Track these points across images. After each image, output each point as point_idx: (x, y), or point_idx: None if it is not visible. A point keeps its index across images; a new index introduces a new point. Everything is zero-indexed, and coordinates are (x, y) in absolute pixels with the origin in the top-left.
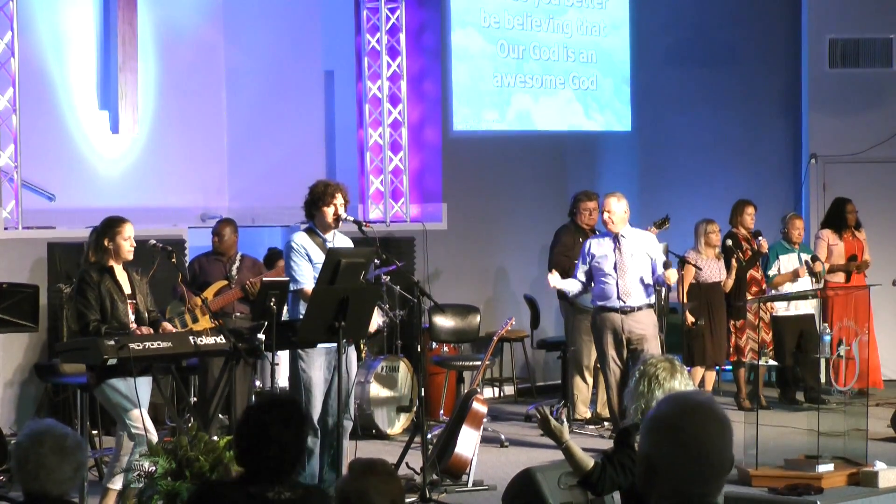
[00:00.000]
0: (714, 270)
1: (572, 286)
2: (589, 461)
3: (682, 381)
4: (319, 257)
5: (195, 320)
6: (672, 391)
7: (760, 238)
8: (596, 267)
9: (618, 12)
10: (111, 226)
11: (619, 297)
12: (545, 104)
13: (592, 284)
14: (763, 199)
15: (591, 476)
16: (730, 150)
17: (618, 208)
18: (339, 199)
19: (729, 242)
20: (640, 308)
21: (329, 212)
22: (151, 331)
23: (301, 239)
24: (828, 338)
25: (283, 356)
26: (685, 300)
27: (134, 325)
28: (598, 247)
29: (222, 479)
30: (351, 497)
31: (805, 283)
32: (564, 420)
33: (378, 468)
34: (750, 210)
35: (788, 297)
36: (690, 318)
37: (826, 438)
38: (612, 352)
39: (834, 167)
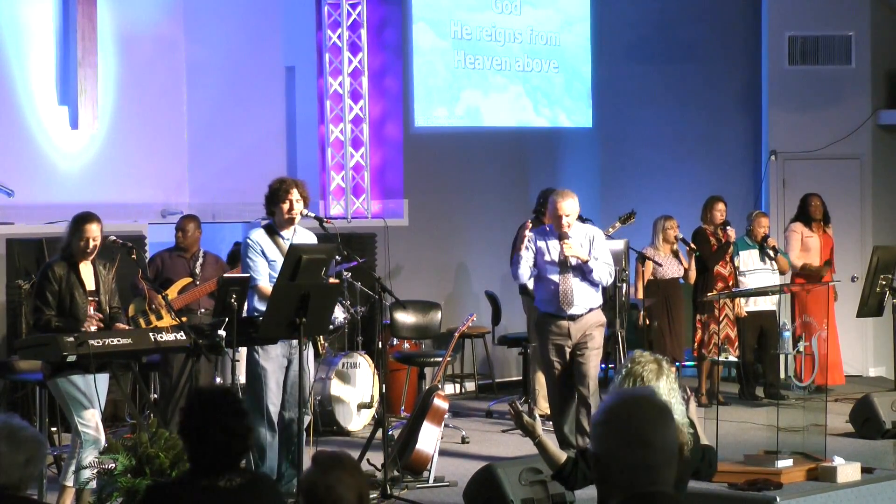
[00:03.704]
0: (672, 266)
1: (525, 270)
2: (562, 455)
3: (668, 383)
4: (275, 254)
5: (159, 318)
6: (658, 392)
7: (728, 227)
8: (541, 265)
9: (576, 9)
10: (77, 222)
11: (562, 305)
12: (494, 100)
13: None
14: (724, 195)
15: (564, 470)
16: (691, 147)
17: (574, 209)
18: (294, 195)
19: (681, 235)
20: (588, 311)
21: (284, 208)
22: (100, 322)
23: (257, 236)
24: (787, 334)
25: (244, 352)
26: (642, 296)
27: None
28: (544, 244)
29: (170, 479)
30: (319, 491)
31: (767, 279)
32: (537, 416)
33: (344, 461)
34: (720, 206)
35: (750, 294)
36: (643, 319)
37: (785, 434)
38: (554, 358)
39: (793, 163)
